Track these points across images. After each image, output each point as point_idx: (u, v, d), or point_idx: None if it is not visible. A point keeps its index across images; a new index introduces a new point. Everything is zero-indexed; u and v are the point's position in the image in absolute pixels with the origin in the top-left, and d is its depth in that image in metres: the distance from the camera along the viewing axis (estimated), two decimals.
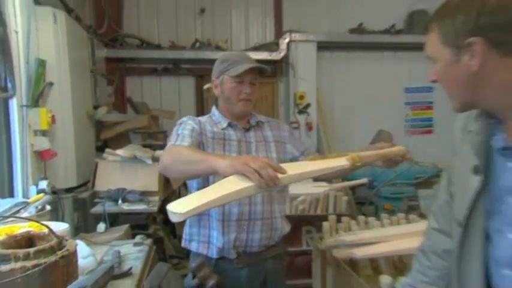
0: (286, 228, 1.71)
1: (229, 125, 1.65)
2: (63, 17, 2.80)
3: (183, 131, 1.56)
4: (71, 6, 3.30)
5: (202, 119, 1.68)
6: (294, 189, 3.09)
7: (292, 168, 1.26)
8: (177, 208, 1.11)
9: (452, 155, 1.07)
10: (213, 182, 1.43)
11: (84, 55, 3.45)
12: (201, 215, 1.56)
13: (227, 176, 1.21)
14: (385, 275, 1.62)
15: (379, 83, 5.12)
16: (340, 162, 1.34)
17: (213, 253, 1.57)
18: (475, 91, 0.88)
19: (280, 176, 1.17)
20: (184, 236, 1.68)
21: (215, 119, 1.68)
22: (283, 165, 1.25)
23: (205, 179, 1.54)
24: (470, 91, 0.89)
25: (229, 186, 1.16)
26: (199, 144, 1.56)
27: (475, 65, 0.84)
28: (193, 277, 1.41)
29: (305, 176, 1.31)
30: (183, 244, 1.69)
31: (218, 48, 4.80)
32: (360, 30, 5.01)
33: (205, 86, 1.77)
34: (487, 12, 0.82)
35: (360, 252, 1.87)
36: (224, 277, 1.51)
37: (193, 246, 1.62)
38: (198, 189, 1.49)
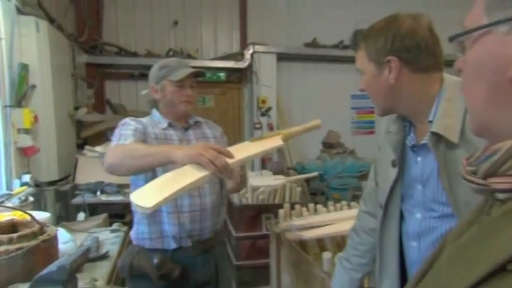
0: (224, 214, 1.72)
1: (169, 125, 1.58)
2: (46, 26, 2.72)
3: (126, 131, 1.45)
4: (53, 16, 3.19)
5: (144, 120, 1.59)
6: (255, 181, 3.16)
7: (237, 152, 1.26)
8: (141, 201, 1.08)
9: (378, 151, 1.14)
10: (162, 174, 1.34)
11: (65, 61, 3.34)
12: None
13: (183, 165, 1.19)
14: (329, 252, 1.69)
15: (330, 90, 5.21)
16: (276, 141, 1.41)
17: (170, 245, 1.49)
18: (392, 100, 0.94)
19: (230, 161, 1.19)
20: (133, 234, 1.55)
21: (156, 120, 1.60)
22: (230, 149, 1.27)
23: (154, 173, 1.43)
24: (388, 99, 0.95)
25: (188, 177, 1.15)
26: (143, 142, 1.46)
27: (392, 78, 0.90)
28: (157, 268, 1.33)
29: (249, 158, 1.35)
30: (135, 242, 1.53)
31: (190, 56, 4.75)
32: (313, 44, 5.08)
33: (143, 92, 1.64)
34: (399, 37, 0.89)
35: (308, 234, 1.93)
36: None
37: (147, 244, 1.49)
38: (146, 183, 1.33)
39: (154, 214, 1.45)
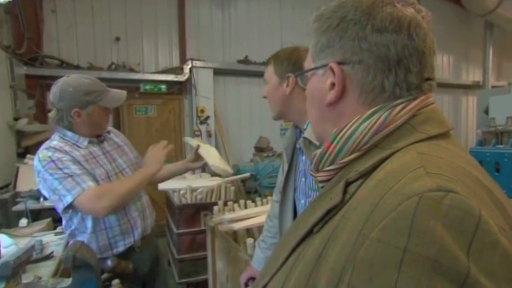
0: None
1: (89, 142, 1.49)
2: None
3: (73, 170, 1.35)
4: None
5: (60, 144, 1.43)
6: (194, 183, 3.23)
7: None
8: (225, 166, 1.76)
9: (283, 151, 1.32)
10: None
11: (2, 72, 3.14)
12: (98, 229, 1.44)
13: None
14: (251, 238, 1.83)
15: (261, 101, 5.38)
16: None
17: (119, 250, 1.47)
18: (284, 108, 1.11)
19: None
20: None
21: (70, 139, 1.46)
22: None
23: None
24: (282, 107, 1.12)
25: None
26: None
27: (288, 91, 1.07)
28: (113, 269, 1.33)
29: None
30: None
31: (132, 70, 4.69)
32: (245, 61, 5.28)
33: (51, 114, 1.48)
34: (299, 63, 1.05)
35: (237, 225, 2.06)
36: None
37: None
38: None
39: (100, 230, 1.44)
